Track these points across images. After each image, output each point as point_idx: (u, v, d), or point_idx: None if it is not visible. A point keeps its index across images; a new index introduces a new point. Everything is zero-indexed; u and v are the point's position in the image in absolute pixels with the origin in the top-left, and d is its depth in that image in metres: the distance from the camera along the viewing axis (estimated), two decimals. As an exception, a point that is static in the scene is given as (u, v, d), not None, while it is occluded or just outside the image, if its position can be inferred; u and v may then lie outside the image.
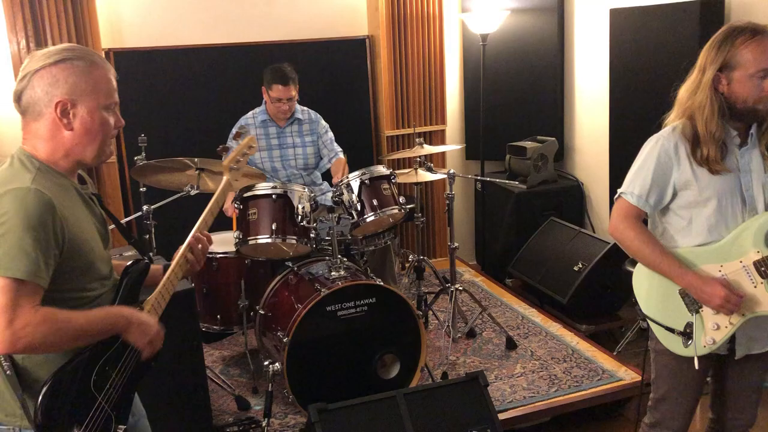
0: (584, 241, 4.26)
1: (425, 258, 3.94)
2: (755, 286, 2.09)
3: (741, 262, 2.10)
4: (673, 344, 2.21)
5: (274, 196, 3.06)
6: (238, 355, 3.79)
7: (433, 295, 4.05)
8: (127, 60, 4.30)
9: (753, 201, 2.12)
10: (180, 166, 3.14)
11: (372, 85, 4.88)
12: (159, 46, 4.40)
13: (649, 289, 2.26)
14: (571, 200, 4.83)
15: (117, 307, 1.68)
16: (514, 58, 4.91)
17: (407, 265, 4.15)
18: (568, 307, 4.08)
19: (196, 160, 3.06)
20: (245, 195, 3.11)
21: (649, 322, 2.26)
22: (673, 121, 2.19)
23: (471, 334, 3.90)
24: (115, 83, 1.70)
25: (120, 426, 1.74)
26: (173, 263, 1.84)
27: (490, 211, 5.00)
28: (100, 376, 1.64)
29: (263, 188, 3.09)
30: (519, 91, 4.95)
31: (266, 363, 2.97)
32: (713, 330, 2.14)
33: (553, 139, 4.76)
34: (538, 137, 4.80)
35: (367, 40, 4.81)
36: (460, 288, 3.77)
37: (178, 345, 2.71)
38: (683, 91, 2.17)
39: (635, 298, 2.32)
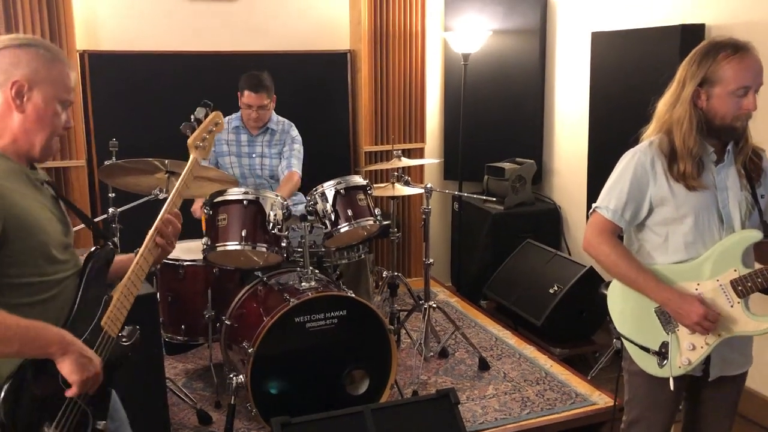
0: (560, 263, 4.22)
1: (400, 275, 3.87)
2: (732, 306, 2.05)
3: (718, 280, 2.06)
4: (648, 364, 2.15)
5: (245, 202, 2.97)
6: (202, 368, 3.67)
7: (405, 313, 3.97)
8: (102, 62, 4.22)
9: (730, 219, 2.09)
10: (149, 168, 3.04)
11: (352, 99, 4.83)
12: (135, 51, 4.32)
13: (624, 307, 2.21)
14: (548, 223, 4.80)
15: (59, 330, 1.54)
16: (495, 78, 4.90)
17: (381, 282, 4.07)
18: (542, 330, 4.02)
19: (166, 162, 2.97)
20: (215, 200, 3.01)
21: (624, 340, 2.21)
22: (651, 135, 2.15)
23: (443, 354, 3.81)
24: (73, 83, 1.70)
25: (99, 422, 1.65)
26: (141, 248, 1.77)
27: (466, 232, 4.95)
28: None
29: (234, 194, 3.00)
30: (499, 112, 4.94)
31: (230, 375, 2.86)
32: (689, 350, 2.09)
33: (532, 161, 4.75)
34: (517, 159, 4.78)
35: (348, 55, 4.78)
36: (434, 305, 3.69)
37: (137, 354, 2.58)
38: (661, 105, 2.14)
39: (609, 316, 2.26)
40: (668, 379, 2.10)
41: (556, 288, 4.02)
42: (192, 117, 2.00)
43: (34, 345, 1.49)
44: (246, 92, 3.72)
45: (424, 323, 3.68)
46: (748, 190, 2.12)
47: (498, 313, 4.49)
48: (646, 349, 2.14)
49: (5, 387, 1.47)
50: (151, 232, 1.79)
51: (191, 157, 1.97)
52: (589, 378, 3.62)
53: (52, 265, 1.59)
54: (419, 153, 4.93)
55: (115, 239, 3.06)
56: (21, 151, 1.62)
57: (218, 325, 3.25)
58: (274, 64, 4.47)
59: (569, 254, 4.63)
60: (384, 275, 3.90)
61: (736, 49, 2.01)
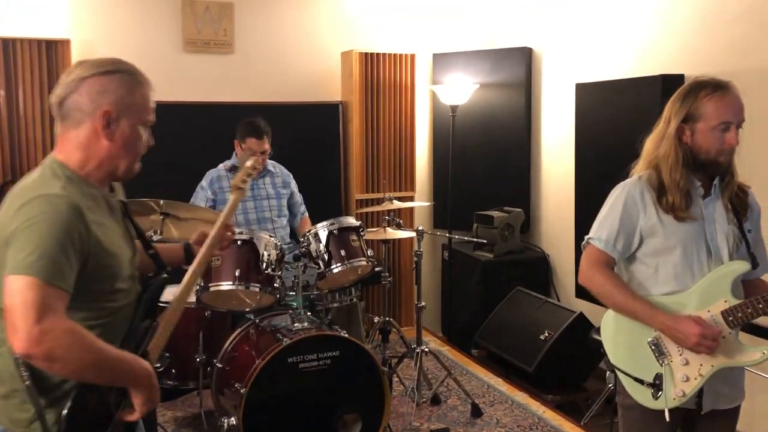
0: (550, 310, 4.24)
1: (391, 320, 3.86)
2: (723, 337, 2.07)
3: (709, 311, 2.09)
4: (642, 396, 2.15)
5: (239, 242, 2.99)
6: (192, 416, 3.60)
7: (397, 359, 3.94)
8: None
9: (718, 251, 2.13)
10: (145, 209, 3.06)
11: (343, 148, 4.92)
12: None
13: (617, 340, 2.23)
14: (537, 270, 4.84)
15: (145, 363, 1.60)
16: (483, 129, 5.02)
17: (371, 329, 4.06)
18: (534, 377, 4.00)
19: (161, 202, 3.00)
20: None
21: (618, 373, 2.21)
22: (640, 170, 2.23)
23: (435, 401, 3.78)
24: (153, 104, 1.72)
25: None
26: (194, 265, 1.90)
27: (456, 281, 4.96)
28: (117, 394, 1.58)
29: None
30: (487, 162, 5.04)
31: (221, 418, 2.81)
32: (683, 382, 2.10)
33: (520, 209, 4.82)
34: (505, 207, 4.85)
35: (340, 106, 4.89)
36: (426, 350, 3.68)
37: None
38: (649, 142, 2.22)
39: (603, 349, 2.28)
40: (663, 411, 2.10)
41: (546, 334, 4.02)
42: (236, 161, 2.23)
43: (122, 376, 1.54)
44: (249, 139, 3.77)
45: (416, 369, 3.65)
46: (735, 224, 2.17)
47: (489, 361, 4.47)
48: (641, 381, 2.14)
49: (69, 403, 1.49)
50: (208, 242, 1.95)
51: (232, 197, 2.20)
52: (582, 424, 3.59)
53: (117, 293, 1.63)
54: (409, 201, 4.99)
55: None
56: (105, 176, 1.66)
57: (209, 369, 3.21)
58: (269, 114, 4.51)
59: (558, 301, 4.65)
60: (375, 321, 3.89)
61: (717, 87, 2.11)
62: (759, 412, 3.20)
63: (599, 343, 3.51)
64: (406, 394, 3.76)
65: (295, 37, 4.86)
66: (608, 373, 2.27)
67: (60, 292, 1.44)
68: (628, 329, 2.17)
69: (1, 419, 1.55)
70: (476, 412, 3.63)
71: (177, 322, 1.84)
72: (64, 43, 4.11)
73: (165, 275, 1.77)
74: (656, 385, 2.12)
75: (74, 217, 1.49)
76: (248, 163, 2.24)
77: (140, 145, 1.68)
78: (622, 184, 2.22)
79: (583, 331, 3.96)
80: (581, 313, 4.06)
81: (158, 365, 1.75)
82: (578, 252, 4.31)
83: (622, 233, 2.15)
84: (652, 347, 2.14)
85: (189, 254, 2.04)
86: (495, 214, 4.75)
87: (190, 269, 1.90)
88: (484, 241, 4.36)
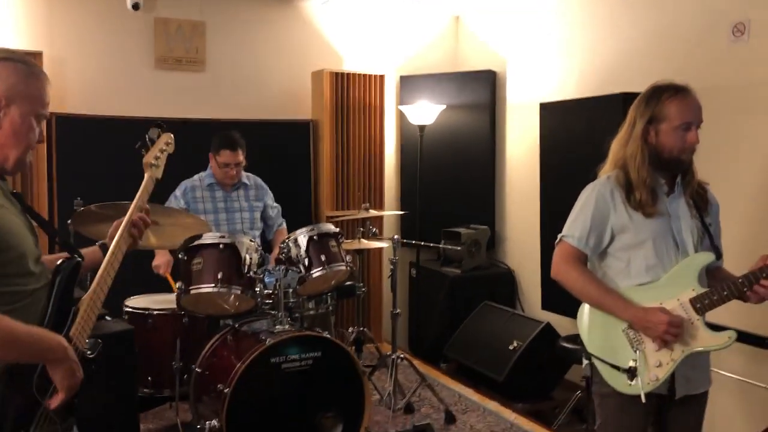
0: (519, 321, 4.35)
1: (365, 329, 3.91)
2: (692, 323, 2.21)
3: (678, 300, 2.22)
4: (618, 382, 2.25)
5: (221, 245, 3.02)
6: (166, 428, 3.55)
7: (370, 369, 3.98)
8: (69, 125, 4.27)
9: (684, 243, 2.28)
10: (121, 214, 3.05)
11: (314, 166, 5.00)
12: (102, 115, 4.41)
13: (593, 329, 2.33)
14: (502, 286, 4.96)
15: (57, 336, 1.55)
16: (450, 149, 5.17)
17: (345, 340, 4.09)
18: (503, 386, 4.08)
19: (142, 206, 3.00)
20: (191, 245, 3.05)
21: (594, 361, 2.32)
22: (607, 171, 2.37)
23: (409, 409, 3.82)
24: (49, 96, 1.70)
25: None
26: (112, 248, 1.79)
27: (423, 297, 5.04)
28: (41, 377, 1.54)
29: (210, 238, 3.05)
30: (453, 181, 5.17)
31: (202, 421, 2.80)
32: (656, 367, 2.22)
33: (486, 227, 4.96)
34: (471, 225, 4.98)
35: (310, 124, 4.98)
36: (402, 356, 3.73)
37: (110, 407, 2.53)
38: (615, 144, 2.38)
39: (580, 338, 2.38)
40: (638, 396, 2.20)
41: (515, 344, 4.12)
42: (146, 137, 2.08)
43: (34, 350, 1.49)
44: (223, 151, 3.81)
45: (392, 375, 3.70)
46: (697, 218, 2.33)
47: (458, 373, 4.53)
48: (617, 368, 2.25)
49: None
50: (123, 226, 1.83)
51: (146, 175, 2.03)
52: (554, 428, 3.68)
53: (26, 276, 1.60)
54: (378, 220, 5.08)
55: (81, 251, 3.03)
56: None
57: (185, 376, 3.20)
58: (240, 130, 4.58)
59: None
60: (349, 331, 3.93)
61: (677, 90, 2.28)
62: (720, 411, 3.35)
63: (568, 351, 3.67)
64: (380, 402, 3.79)
65: (266, 56, 4.95)
66: (584, 362, 2.37)
67: None
68: (603, 319, 2.28)
69: None
70: (450, 419, 3.69)
71: (101, 306, 1.76)
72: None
73: (79, 259, 1.72)
74: (631, 371, 2.23)
75: None
76: (163, 138, 2.12)
77: (32, 137, 1.64)
78: (592, 184, 2.36)
79: (551, 340, 4.08)
80: (548, 323, 4.18)
81: (89, 351, 1.68)
82: (544, 267, 4.47)
83: (594, 231, 2.28)
84: (627, 334, 2.25)
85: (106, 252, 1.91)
86: (462, 230, 4.87)
87: (108, 254, 1.80)
88: (458, 248, 4.45)
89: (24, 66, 1.63)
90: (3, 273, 1.54)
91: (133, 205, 1.92)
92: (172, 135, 2.14)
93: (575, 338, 3.76)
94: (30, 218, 1.73)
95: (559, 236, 2.37)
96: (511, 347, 4.14)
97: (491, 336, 4.35)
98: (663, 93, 2.27)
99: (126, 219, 1.88)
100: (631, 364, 2.20)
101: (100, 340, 1.74)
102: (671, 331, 2.15)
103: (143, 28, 4.61)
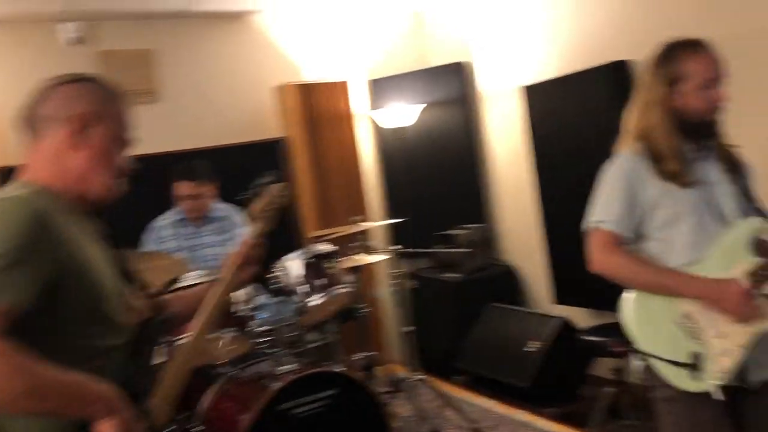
0: (531, 320, 4.09)
1: (376, 353, 3.59)
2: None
3: (732, 274, 1.95)
4: (682, 380, 1.96)
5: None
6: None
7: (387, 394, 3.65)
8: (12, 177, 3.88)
9: (727, 211, 2.03)
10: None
11: (291, 185, 4.68)
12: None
13: (641, 324, 2.05)
14: (506, 285, 4.67)
15: (105, 384, 1.28)
16: (429, 151, 4.89)
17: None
18: (528, 392, 3.79)
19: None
20: (172, 289, 2.70)
21: (650, 360, 2.02)
22: (627, 145, 2.11)
23: (435, 434, 3.50)
24: (131, 122, 1.56)
25: None
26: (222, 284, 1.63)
27: (425, 309, 4.73)
28: None
29: (192, 278, 2.71)
30: (437, 182, 4.89)
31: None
32: (722, 356, 1.94)
33: (480, 225, 4.68)
34: (464, 226, 4.69)
35: (280, 142, 4.67)
36: (421, 377, 3.41)
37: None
38: (632, 116, 2.12)
39: (629, 338, 2.09)
40: (708, 393, 1.92)
41: (533, 345, 3.85)
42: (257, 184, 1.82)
43: (74, 402, 1.24)
44: (179, 183, 3.49)
45: (412, 400, 3.38)
46: (734, 182, 2.08)
47: (476, 384, 4.23)
48: (678, 363, 1.96)
49: None
50: (228, 267, 1.64)
51: (257, 225, 1.80)
52: (592, 429, 3.39)
53: (104, 326, 1.37)
54: (368, 232, 4.78)
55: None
56: (78, 195, 1.45)
57: (184, 437, 2.83)
58: (207, 160, 4.28)
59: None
60: (356, 356, 3.61)
61: (694, 45, 2.04)
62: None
63: (593, 345, 3.39)
64: (401, 431, 3.46)
65: (222, 77, 4.63)
66: (635, 363, 2.08)
67: (5, 305, 1.18)
68: (651, 313, 2.00)
69: None
70: (480, 438, 3.38)
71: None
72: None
73: (168, 316, 1.53)
74: (695, 366, 1.94)
75: (37, 219, 1.27)
76: (274, 192, 1.85)
77: (117, 162, 1.49)
78: (615, 161, 2.09)
79: (570, 336, 3.81)
80: (565, 318, 3.91)
81: (173, 429, 1.41)
82: (553, 259, 4.19)
83: (629, 210, 2.01)
84: (682, 325, 1.97)
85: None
86: (456, 232, 4.58)
87: (207, 301, 1.63)
88: (463, 250, 4.17)
89: (104, 88, 1.52)
90: (71, 318, 1.31)
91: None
92: (287, 186, 1.89)
93: (596, 330, 3.55)
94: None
95: (589, 225, 2.08)
96: (527, 349, 3.86)
97: (504, 340, 4.08)
98: (678, 50, 2.02)
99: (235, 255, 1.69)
100: (695, 352, 1.92)
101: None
102: (748, 305, 1.86)
103: (87, 63, 4.25)
